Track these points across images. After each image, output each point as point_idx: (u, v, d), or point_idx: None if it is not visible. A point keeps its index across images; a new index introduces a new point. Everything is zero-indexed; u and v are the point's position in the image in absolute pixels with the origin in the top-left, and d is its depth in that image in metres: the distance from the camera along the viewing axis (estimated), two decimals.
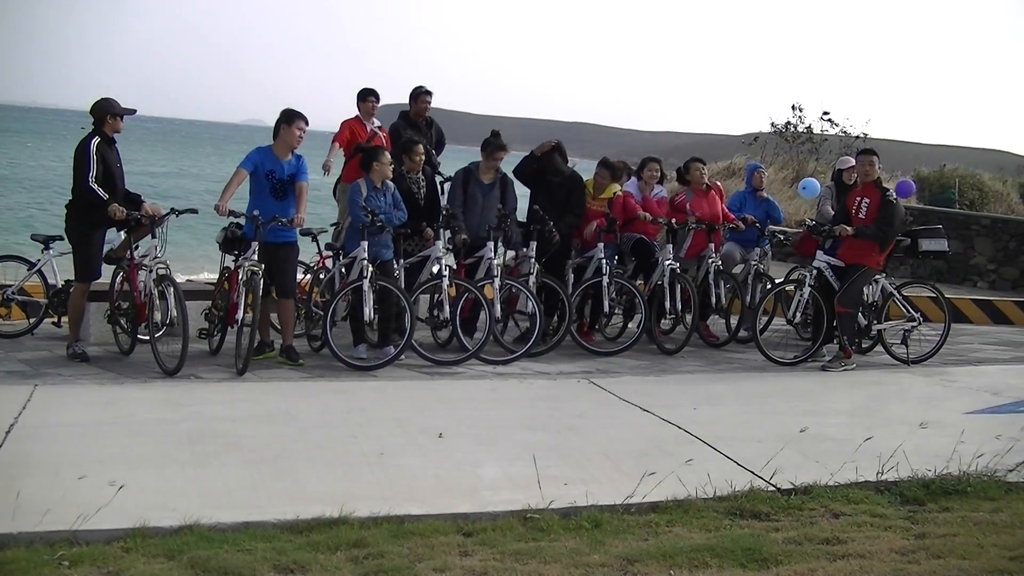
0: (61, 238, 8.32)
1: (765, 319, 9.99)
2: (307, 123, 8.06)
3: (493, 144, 9.09)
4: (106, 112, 7.79)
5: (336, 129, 10.00)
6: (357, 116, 9.92)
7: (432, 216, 8.86)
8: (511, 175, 9.33)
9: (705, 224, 9.75)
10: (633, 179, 10.17)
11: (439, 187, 9.52)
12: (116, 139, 7.95)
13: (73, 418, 5.87)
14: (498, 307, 8.60)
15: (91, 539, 4.13)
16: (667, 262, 9.35)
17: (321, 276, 9.01)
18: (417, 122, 9.97)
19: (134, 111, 8.04)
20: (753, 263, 10.23)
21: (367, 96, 9.63)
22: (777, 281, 10.10)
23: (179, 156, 65.26)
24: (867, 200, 8.80)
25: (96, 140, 7.73)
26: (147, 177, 37.32)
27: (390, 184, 8.41)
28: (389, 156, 8.39)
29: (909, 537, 4.61)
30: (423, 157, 9.01)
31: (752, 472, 5.47)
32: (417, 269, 8.88)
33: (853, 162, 10.54)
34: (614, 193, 9.66)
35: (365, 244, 8.03)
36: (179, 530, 4.25)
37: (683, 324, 9.63)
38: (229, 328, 7.90)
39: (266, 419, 6.12)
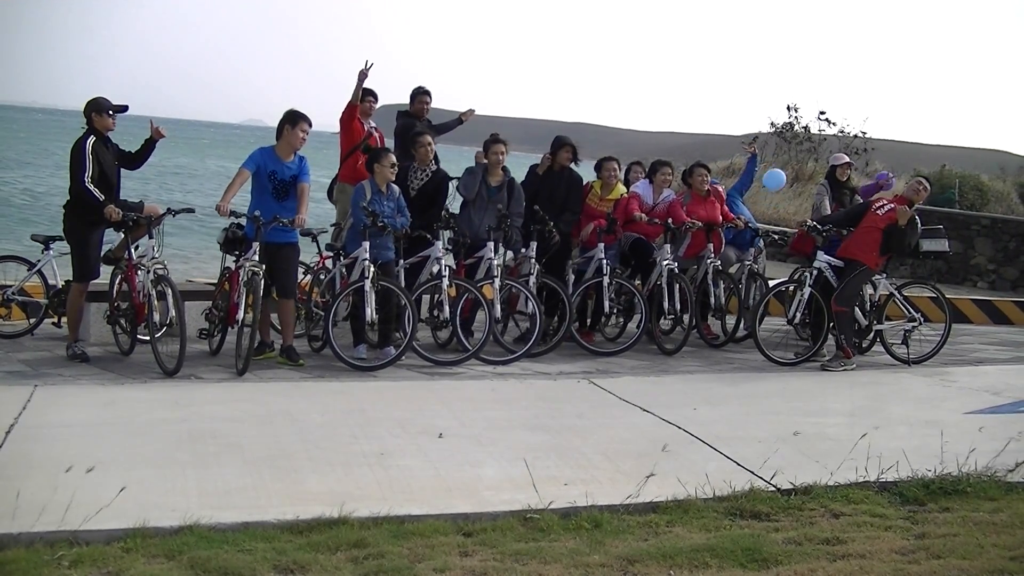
0: (61, 238, 8.33)
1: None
2: (311, 125, 8.06)
3: (489, 140, 9.16)
4: (94, 110, 7.79)
5: (336, 129, 9.94)
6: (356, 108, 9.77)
7: (432, 215, 8.82)
8: (518, 182, 9.33)
9: (703, 224, 9.76)
10: (644, 181, 10.19)
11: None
12: (111, 137, 7.96)
13: (73, 418, 5.87)
14: (498, 307, 8.60)
15: (91, 539, 4.13)
16: (665, 262, 9.36)
17: (321, 277, 9.01)
18: (421, 123, 9.95)
19: (125, 108, 8.03)
20: (747, 263, 10.25)
21: (365, 96, 9.60)
22: (779, 280, 10.11)
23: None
24: (893, 205, 8.85)
25: (91, 140, 7.73)
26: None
27: (395, 188, 8.41)
28: (392, 158, 8.38)
29: (909, 537, 4.62)
30: (429, 148, 8.99)
31: (752, 472, 5.47)
32: (417, 269, 8.89)
33: (846, 158, 10.60)
34: (621, 194, 9.68)
35: (367, 244, 8.03)
36: (179, 530, 4.25)
37: (681, 325, 9.64)
38: (229, 328, 7.90)
39: (266, 419, 6.12)
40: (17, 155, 48.16)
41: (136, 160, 8.25)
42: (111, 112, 7.84)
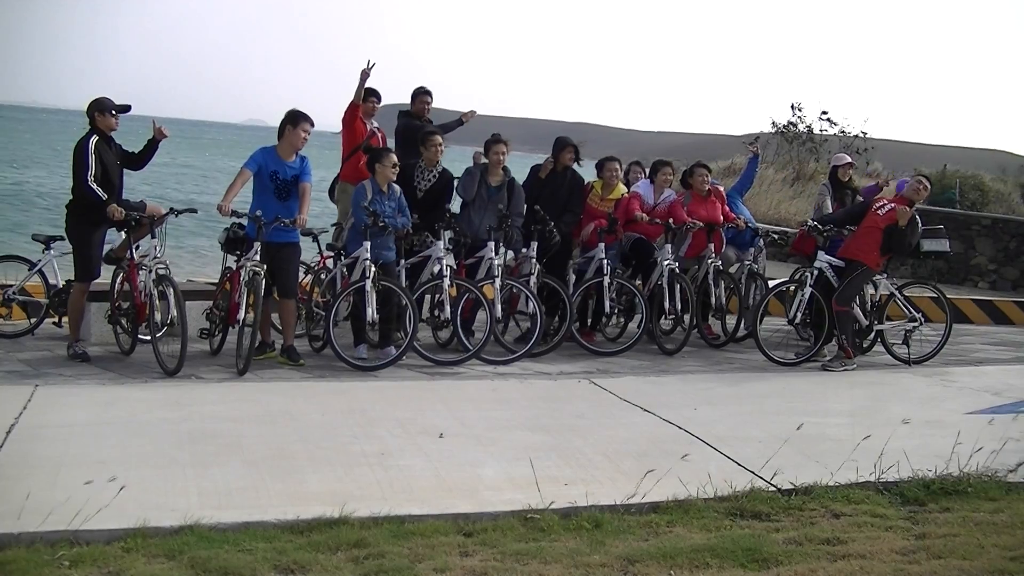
0: (62, 238, 8.34)
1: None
2: (312, 125, 8.06)
3: (490, 140, 9.15)
4: (96, 109, 7.80)
5: (337, 128, 9.94)
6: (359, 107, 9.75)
7: (437, 215, 8.81)
8: (520, 182, 9.32)
9: (704, 224, 9.76)
10: (645, 181, 10.19)
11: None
12: (113, 137, 7.97)
13: (74, 418, 5.87)
14: (499, 307, 8.60)
15: (91, 539, 4.13)
16: (666, 262, 9.36)
17: (322, 276, 9.02)
18: (421, 123, 9.94)
19: (128, 108, 8.04)
20: (747, 263, 10.25)
21: (368, 96, 9.60)
22: (780, 280, 10.11)
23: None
24: (894, 205, 8.84)
25: (94, 139, 7.73)
26: None
27: (396, 188, 8.41)
28: (394, 159, 8.38)
29: (909, 537, 4.62)
30: (439, 148, 8.99)
31: (752, 472, 5.47)
32: (418, 269, 8.89)
33: (848, 159, 10.60)
34: (622, 194, 9.68)
35: (368, 244, 8.03)
36: (179, 530, 4.26)
37: (681, 325, 9.64)
38: (230, 328, 7.90)
39: (267, 419, 6.12)
40: (28, 155, 48.27)
41: (139, 160, 8.26)
42: (114, 112, 7.84)
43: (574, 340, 9.23)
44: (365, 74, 9.29)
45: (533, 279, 8.88)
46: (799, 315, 9.10)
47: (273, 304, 8.13)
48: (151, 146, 8.19)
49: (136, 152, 8.19)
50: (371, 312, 7.90)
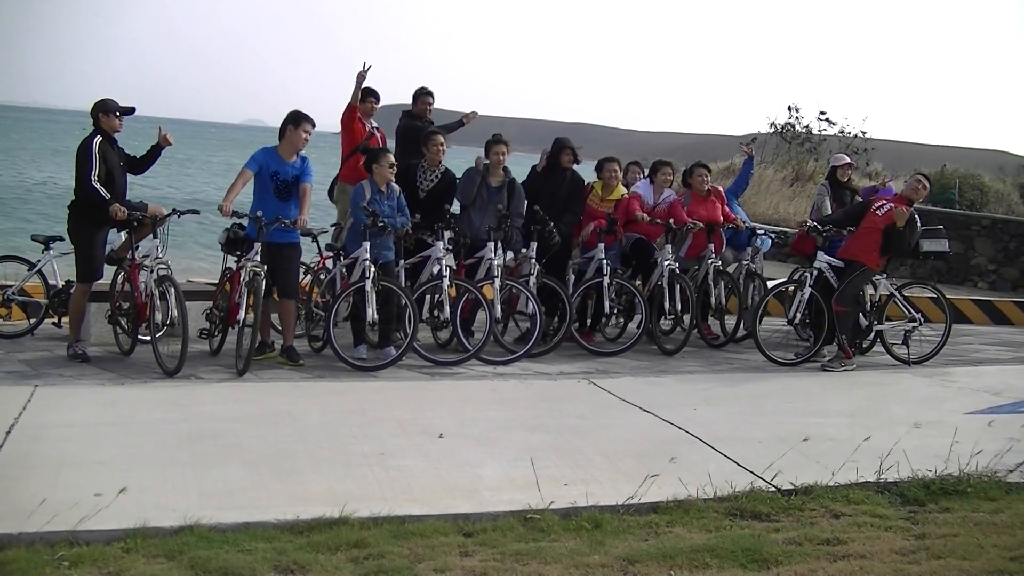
0: (61, 239, 8.33)
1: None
2: (314, 125, 8.06)
3: (491, 140, 9.15)
4: (101, 110, 7.80)
5: (338, 129, 9.93)
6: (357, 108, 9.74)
7: (439, 215, 8.81)
8: (519, 182, 9.32)
9: (705, 224, 9.76)
10: (645, 181, 10.19)
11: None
12: (117, 138, 7.98)
13: (73, 418, 5.87)
14: (498, 307, 8.60)
15: (91, 539, 4.13)
16: (666, 263, 9.36)
17: (321, 277, 9.02)
18: (422, 123, 9.94)
19: (132, 110, 8.05)
20: (745, 263, 10.25)
21: (367, 96, 9.60)
22: (779, 281, 10.11)
23: None
24: (892, 205, 8.83)
25: (98, 139, 7.74)
26: None
27: (395, 188, 8.41)
28: (391, 158, 8.38)
29: (909, 537, 4.62)
30: (441, 148, 9.00)
31: (752, 472, 5.47)
32: (418, 269, 8.88)
33: (847, 159, 10.59)
34: (622, 195, 9.68)
35: (367, 244, 8.03)
36: (179, 530, 4.26)
37: (681, 325, 9.64)
38: (230, 329, 7.90)
39: (266, 420, 6.12)
40: (42, 155, 48.32)
41: (141, 165, 8.25)
42: (118, 113, 7.85)
43: (574, 340, 9.23)
44: (361, 76, 9.30)
45: (533, 279, 8.88)
46: (798, 315, 9.11)
47: (273, 304, 8.13)
48: (154, 152, 8.17)
49: (139, 157, 8.19)
50: (371, 312, 7.90)
